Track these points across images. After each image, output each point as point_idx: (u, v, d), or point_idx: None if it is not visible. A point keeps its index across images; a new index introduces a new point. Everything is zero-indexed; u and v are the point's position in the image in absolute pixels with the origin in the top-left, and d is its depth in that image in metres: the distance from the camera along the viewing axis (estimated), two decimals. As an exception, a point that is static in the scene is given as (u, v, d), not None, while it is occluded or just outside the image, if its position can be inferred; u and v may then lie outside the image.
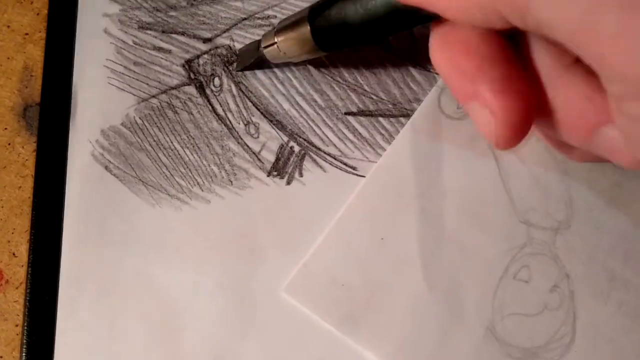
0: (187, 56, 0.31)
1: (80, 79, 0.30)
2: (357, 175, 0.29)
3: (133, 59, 0.31)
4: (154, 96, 0.30)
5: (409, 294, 0.27)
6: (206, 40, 0.31)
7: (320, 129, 0.30)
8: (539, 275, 0.27)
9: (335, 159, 0.29)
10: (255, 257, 0.28)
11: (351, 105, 0.30)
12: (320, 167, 0.29)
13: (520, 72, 0.21)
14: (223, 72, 0.30)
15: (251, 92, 0.30)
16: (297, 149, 0.29)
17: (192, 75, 0.30)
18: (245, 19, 0.31)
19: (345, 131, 0.29)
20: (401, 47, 0.30)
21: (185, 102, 0.30)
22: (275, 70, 0.30)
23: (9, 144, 0.31)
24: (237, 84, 0.30)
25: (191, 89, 0.30)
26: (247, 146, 0.29)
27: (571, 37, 0.17)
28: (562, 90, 0.20)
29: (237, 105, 0.30)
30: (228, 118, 0.30)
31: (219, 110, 0.30)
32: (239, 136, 0.30)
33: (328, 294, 0.27)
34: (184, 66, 0.31)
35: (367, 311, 0.27)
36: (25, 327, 0.28)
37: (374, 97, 0.30)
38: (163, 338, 0.27)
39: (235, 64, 0.30)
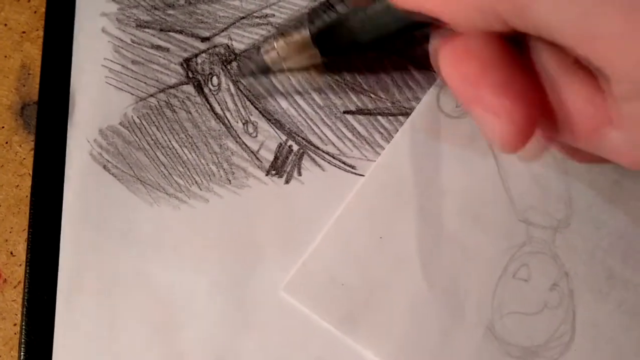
0: (186, 55, 0.31)
1: (78, 77, 0.30)
2: (356, 174, 0.29)
3: (131, 57, 0.31)
4: (152, 95, 0.30)
5: (408, 293, 0.27)
6: (204, 39, 0.31)
7: (319, 127, 0.29)
8: (538, 274, 0.27)
9: (334, 158, 0.29)
10: (254, 256, 0.28)
11: (350, 104, 0.30)
12: (319, 166, 0.29)
13: (523, 75, 0.20)
14: (221, 71, 0.30)
15: (249, 91, 0.30)
16: (295, 147, 0.29)
17: (190, 74, 0.30)
18: (243, 17, 0.31)
19: (344, 130, 0.29)
20: (400, 45, 0.30)
21: (183, 101, 0.30)
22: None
23: (7, 143, 0.30)
24: (235, 82, 0.30)
25: (189, 88, 0.30)
26: (246, 145, 0.29)
27: (573, 39, 0.17)
28: (564, 93, 0.20)
29: (236, 104, 0.30)
30: (226, 117, 0.30)
31: (217, 109, 0.30)
32: (237, 135, 0.30)
33: (327, 293, 0.27)
34: (182, 65, 0.30)
35: (366, 310, 0.27)
36: (24, 326, 0.27)
37: (373, 96, 0.30)
38: (162, 337, 0.27)
39: (236, 70, 0.30)
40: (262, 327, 0.27)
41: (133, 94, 0.30)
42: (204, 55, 0.31)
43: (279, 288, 0.28)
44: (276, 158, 0.29)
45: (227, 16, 0.31)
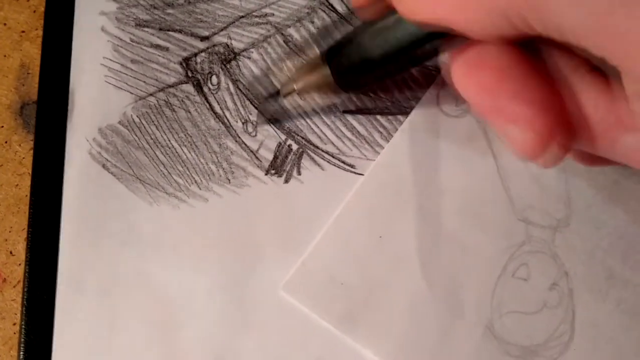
0: (185, 54, 0.31)
1: (77, 77, 0.30)
2: (355, 173, 0.29)
3: (130, 56, 0.31)
4: (151, 94, 0.30)
5: (408, 292, 0.27)
6: (204, 38, 0.31)
7: (318, 127, 0.29)
8: (537, 274, 0.27)
9: (333, 157, 0.29)
10: (254, 256, 0.28)
11: (349, 103, 0.30)
12: (319, 165, 0.29)
13: (539, 81, 0.20)
14: (220, 70, 0.30)
15: (249, 90, 0.30)
16: (295, 147, 0.29)
17: (189, 73, 0.30)
18: (242, 17, 0.31)
19: (344, 129, 0.29)
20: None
21: (182, 100, 0.30)
22: (273, 68, 0.30)
23: (6, 142, 0.30)
24: (234, 82, 0.30)
25: (189, 87, 0.30)
26: (245, 144, 0.29)
27: (590, 39, 0.17)
28: (579, 99, 0.20)
29: (235, 104, 0.30)
30: (226, 116, 0.30)
31: (217, 108, 0.30)
32: (237, 134, 0.30)
33: (326, 292, 0.27)
34: (181, 64, 0.30)
35: (366, 309, 0.27)
36: (23, 326, 0.27)
37: (372, 95, 0.30)
38: (161, 336, 0.27)
39: (256, 118, 0.30)
40: (262, 326, 0.27)
41: (132, 93, 0.30)
42: (203, 54, 0.31)
43: (278, 287, 0.28)
44: (275, 157, 0.29)
45: (226, 15, 0.31)
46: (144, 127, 0.30)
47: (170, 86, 0.30)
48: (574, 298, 0.27)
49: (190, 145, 0.30)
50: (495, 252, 0.28)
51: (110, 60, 0.31)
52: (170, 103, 0.30)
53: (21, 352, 0.27)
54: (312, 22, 0.30)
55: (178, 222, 0.28)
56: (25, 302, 0.28)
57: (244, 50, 0.30)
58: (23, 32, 0.32)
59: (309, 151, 0.29)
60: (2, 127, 0.31)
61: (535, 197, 0.28)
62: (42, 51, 0.31)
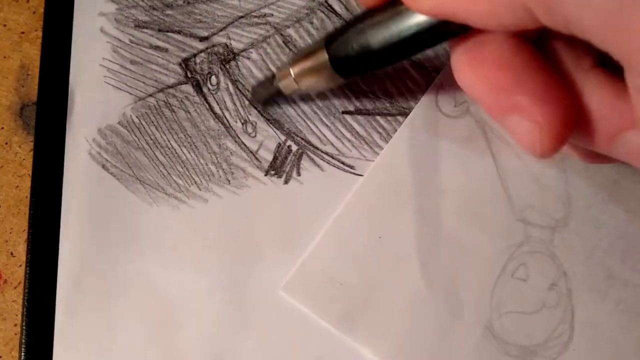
0: (184, 55, 0.31)
1: (77, 78, 0.30)
2: (354, 174, 0.29)
3: (130, 57, 0.31)
4: (150, 95, 0.30)
5: (407, 293, 0.27)
6: (203, 39, 0.31)
7: (318, 127, 0.29)
8: (536, 274, 0.28)
9: (332, 158, 0.29)
10: (253, 256, 0.28)
11: (348, 104, 0.30)
12: (318, 166, 0.29)
13: (555, 79, 0.20)
14: (220, 70, 0.30)
15: (248, 90, 0.30)
16: (294, 148, 0.29)
17: (189, 74, 0.30)
18: (241, 17, 0.31)
19: (343, 130, 0.29)
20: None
21: (182, 101, 0.30)
22: (272, 68, 0.30)
23: (6, 144, 0.31)
24: (234, 82, 0.30)
25: (188, 88, 0.30)
26: (245, 145, 0.29)
27: (600, 32, 0.17)
28: (586, 96, 0.20)
29: (235, 104, 0.30)
30: (225, 117, 0.30)
31: (216, 108, 0.30)
32: (237, 135, 0.30)
33: (326, 292, 0.27)
34: (180, 65, 0.30)
35: (365, 309, 0.27)
36: (24, 327, 0.28)
37: (372, 96, 0.30)
38: (161, 337, 0.27)
39: (249, 98, 0.30)
40: (261, 326, 0.27)
41: (132, 94, 0.30)
42: (202, 54, 0.31)
43: (278, 288, 0.28)
44: (275, 158, 0.29)
45: (225, 15, 0.31)
46: (144, 127, 0.30)
47: (169, 87, 0.30)
48: (572, 298, 0.27)
49: (190, 145, 0.30)
50: (495, 252, 0.28)
51: (110, 61, 0.31)
52: (169, 104, 0.30)
53: (22, 353, 0.27)
54: (311, 23, 0.30)
55: (178, 223, 0.29)
56: (26, 303, 0.28)
57: (243, 50, 0.30)
58: (23, 33, 0.32)
59: (308, 152, 0.29)
60: (2, 128, 0.31)
61: (534, 197, 0.28)
62: (41, 52, 0.31)
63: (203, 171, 0.29)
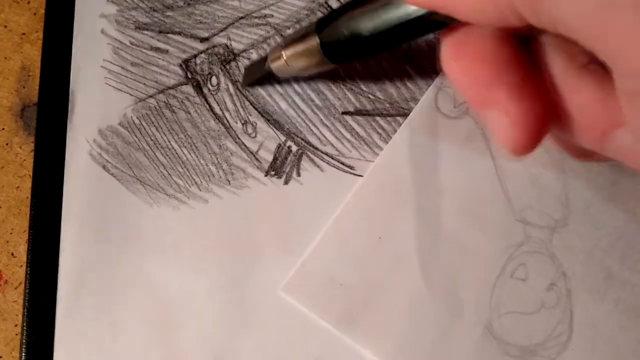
0: (184, 56, 0.31)
1: (77, 79, 0.30)
2: (354, 174, 0.29)
3: (130, 59, 0.31)
4: (151, 96, 0.30)
5: (407, 293, 0.27)
6: (203, 40, 0.31)
7: (318, 128, 0.30)
8: (536, 274, 0.28)
9: (332, 159, 0.29)
10: (253, 256, 0.28)
11: (348, 104, 0.30)
12: (318, 166, 0.29)
13: (536, 77, 0.20)
14: (220, 71, 0.30)
15: (248, 91, 0.30)
16: (294, 148, 0.29)
17: (189, 75, 0.30)
18: (242, 17, 0.31)
19: (343, 130, 0.29)
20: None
21: (182, 102, 0.30)
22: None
23: (7, 144, 0.31)
24: (234, 83, 0.30)
25: (188, 89, 0.30)
26: (245, 146, 0.30)
27: (586, 32, 0.17)
28: (575, 94, 0.20)
29: (235, 105, 0.30)
30: (225, 117, 0.30)
31: (217, 109, 0.30)
32: (237, 135, 0.30)
33: (326, 292, 0.27)
34: (181, 66, 0.31)
35: (365, 309, 0.27)
36: (25, 327, 0.28)
37: (371, 97, 0.30)
38: (162, 337, 0.27)
39: (241, 80, 0.30)
40: (261, 326, 0.27)
41: (132, 95, 0.30)
42: (202, 55, 0.31)
43: (278, 288, 0.28)
44: (275, 159, 0.29)
45: (225, 16, 0.31)
46: (144, 128, 0.30)
47: (170, 88, 0.30)
48: (572, 298, 0.27)
49: (190, 146, 0.30)
50: (494, 252, 0.28)
51: (110, 62, 0.31)
52: (170, 104, 0.30)
53: (23, 354, 0.27)
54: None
55: (178, 223, 0.29)
56: (26, 304, 0.28)
57: (244, 51, 0.31)
58: (24, 34, 0.32)
59: (308, 152, 0.29)
60: (3, 129, 0.31)
61: (533, 197, 0.28)
62: (42, 53, 0.31)
63: (203, 172, 0.29)
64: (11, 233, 0.30)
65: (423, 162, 0.29)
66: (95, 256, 0.28)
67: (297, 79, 0.30)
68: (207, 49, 0.31)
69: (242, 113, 0.30)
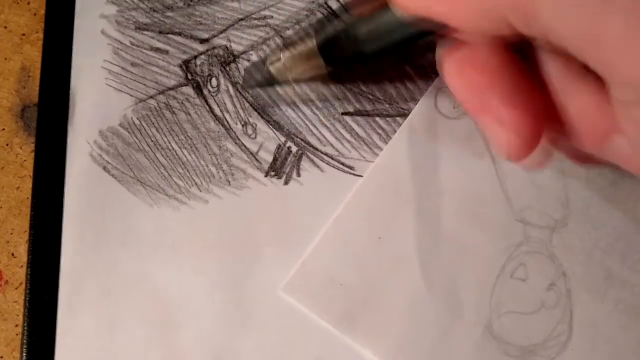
0: (184, 57, 0.31)
1: (77, 80, 0.31)
2: (354, 174, 0.29)
3: (130, 59, 0.31)
4: (151, 97, 0.30)
5: (407, 293, 0.27)
6: (203, 41, 0.31)
7: (318, 129, 0.30)
8: (535, 274, 0.28)
9: (332, 159, 0.29)
10: (253, 257, 0.28)
11: (348, 105, 0.30)
12: (318, 167, 0.29)
13: (530, 84, 0.20)
14: (220, 72, 0.30)
15: (248, 92, 0.30)
16: (294, 149, 0.29)
17: (189, 76, 0.30)
18: (242, 19, 0.31)
19: (343, 131, 0.30)
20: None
21: (182, 103, 0.30)
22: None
23: (7, 145, 0.31)
24: (234, 84, 0.30)
25: (188, 90, 0.30)
26: (245, 146, 0.30)
27: (578, 43, 0.17)
28: (572, 100, 0.20)
29: (235, 106, 0.30)
30: (225, 118, 0.30)
31: (217, 110, 0.30)
32: (237, 136, 0.30)
33: (326, 292, 0.28)
34: (181, 67, 0.31)
35: (365, 310, 0.27)
36: (26, 328, 0.28)
37: (371, 97, 0.30)
38: (162, 337, 0.27)
39: (241, 82, 0.30)
40: (261, 326, 0.27)
41: (132, 96, 0.30)
42: (202, 57, 0.31)
43: (277, 288, 0.28)
44: (275, 159, 0.29)
45: (225, 18, 0.31)
46: (145, 129, 0.30)
47: (170, 89, 0.30)
48: (572, 298, 0.27)
49: (191, 147, 0.30)
50: (494, 253, 0.28)
51: (111, 63, 0.31)
52: (170, 105, 0.30)
53: (24, 354, 0.27)
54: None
55: (178, 224, 0.29)
56: (27, 304, 0.28)
57: (244, 52, 0.31)
58: (24, 35, 0.32)
59: (308, 153, 0.29)
60: (3, 129, 0.31)
61: (533, 197, 0.28)
62: (42, 54, 0.31)
63: (203, 172, 0.29)
64: (11, 233, 0.30)
65: (423, 163, 0.29)
66: (96, 256, 0.28)
67: (296, 80, 0.30)
68: (207, 51, 0.31)
69: (242, 114, 0.30)
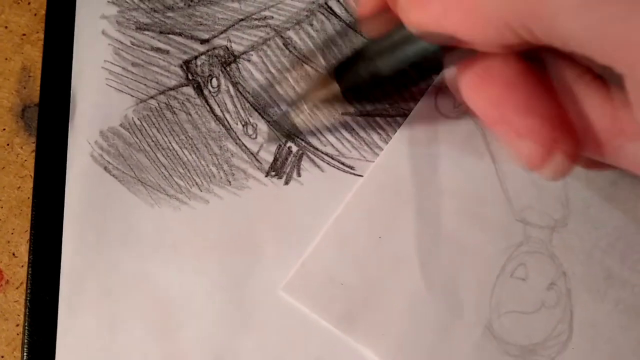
0: (185, 57, 0.31)
1: (78, 80, 0.31)
2: (354, 174, 0.29)
3: (131, 60, 0.31)
4: (152, 97, 0.30)
5: (407, 292, 0.27)
6: (203, 41, 0.31)
7: (318, 129, 0.30)
8: (535, 274, 0.28)
9: (332, 159, 0.29)
10: (254, 257, 0.28)
11: (348, 105, 0.30)
12: (318, 167, 0.29)
13: (545, 93, 0.20)
14: (221, 72, 0.30)
15: (249, 92, 0.30)
16: (294, 149, 0.29)
17: (190, 76, 0.31)
18: (242, 19, 0.31)
19: (343, 131, 0.30)
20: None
21: (183, 103, 0.30)
22: (273, 70, 0.30)
23: (8, 145, 0.31)
24: (234, 84, 0.30)
25: (189, 90, 0.30)
26: (245, 147, 0.30)
27: (594, 47, 0.17)
28: (583, 107, 0.20)
29: (235, 106, 0.30)
30: (226, 119, 0.30)
31: (217, 110, 0.30)
32: (237, 137, 0.30)
33: (326, 292, 0.28)
34: (181, 67, 0.31)
35: (365, 309, 0.27)
36: (26, 327, 0.28)
37: (371, 97, 0.30)
38: (162, 337, 0.27)
39: (267, 137, 0.30)
40: (262, 326, 0.27)
41: (133, 96, 0.30)
42: (203, 57, 0.31)
43: (278, 288, 0.28)
44: (275, 159, 0.29)
45: (226, 18, 0.31)
46: (145, 129, 0.30)
47: (170, 89, 0.30)
48: (572, 298, 0.27)
49: (191, 147, 0.30)
50: (494, 252, 0.28)
51: (111, 63, 0.31)
52: (171, 106, 0.30)
53: (25, 353, 0.27)
54: (311, 25, 0.31)
55: (179, 224, 0.29)
56: (28, 304, 0.28)
57: (244, 52, 0.31)
58: (24, 35, 0.32)
59: (308, 153, 0.29)
60: (4, 129, 0.31)
61: (533, 197, 0.28)
62: (43, 54, 0.31)
63: (204, 172, 0.29)
64: (12, 233, 0.30)
65: (423, 162, 0.29)
66: (97, 256, 0.28)
67: (294, 77, 0.30)
68: (208, 51, 0.31)
69: (243, 114, 0.30)
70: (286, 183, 0.29)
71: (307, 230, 0.28)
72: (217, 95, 0.30)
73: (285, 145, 0.29)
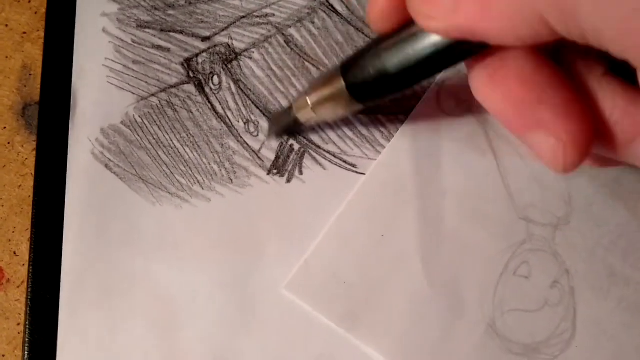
0: (186, 54, 0.31)
1: (79, 78, 0.30)
2: (356, 172, 0.29)
3: (132, 57, 0.31)
4: (153, 95, 0.30)
5: (409, 291, 0.27)
6: (205, 39, 0.31)
7: (320, 126, 0.30)
8: (539, 272, 0.28)
9: (335, 157, 0.29)
10: (256, 255, 0.28)
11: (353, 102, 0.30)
12: (320, 164, 0.29)
13: (559, 87, 0.20)
14: (222, 70, 0.30)
15: (250, 90, 0.30)
16: (296, 147, 0.29)
17: (191, 74, 0.30)
18: (243, 17, 0.31)
19: (345, 129, 0.29)
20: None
21: (184, 101, 0.30)
22: (274, 68, 0.30)
23: (9, 143, 0.31)
24: (236, 82, 0.30)
25: (190, 87, 0.30)
26: (247, 144, 0.29)
27: (620, 42, 0.16)
28: (601, 105, 0.20)
29: (237, 104, 0.30)
30: (227, 116, 0.30)
31: (219, 108, 0.30)
32: (239, 134, 0.30)
33: (328, 290, 0.27)
34: (183, 64, 0.31)
35: (368, 307, 0.27)
36: (28, 326, 0.28)
37: (373, 95, 0.30)
38: (164, 335, 0.27)
39: (267, 131, 0.30)
40: (264, 325, 0.27)
41: (134, 94, 0.30)
42: (204, 54, 0.31)
43: (280, 286, 0.28)
44: (277, 157, 0.29)
45: (227, 15, 0.31)
46: (146, 127, 0.30)
47: (172, 86, 0.30)
48: (575, 296, 0.27)
49: (193, 145, 0.30)
50: (497, 251, 0.28)
51: (112, 61, 0.31)
52: (172, 103, 0.30)
53: (26, 352, 0.27)
54: (313, 23, 0.31)
55: (181, 222, 0.29)
56: (29, 302, 0.28)
57: (245, 50, 0.31)
58: (24, 33, 0.32)
59: (310, 151, 0.29)
60: (5, 128, 0.31)
61: (536, 195, 0.28)
62: (43, 52, 0.31)
63: (206, 170, 0.29)
64: (13, 232, 0.30)
65: (425, 160, 0.29)
66: (98, 254, 0.28)
67: (295, 74, 0.30)
68: (209, 48, 0.31)
69: (244, 112, 0.30)
70: (288, 181, 0.29)
71: (309, 228, 0.28)
72: (218, 92, 0.30)
73: (287, 143, 0.29)
